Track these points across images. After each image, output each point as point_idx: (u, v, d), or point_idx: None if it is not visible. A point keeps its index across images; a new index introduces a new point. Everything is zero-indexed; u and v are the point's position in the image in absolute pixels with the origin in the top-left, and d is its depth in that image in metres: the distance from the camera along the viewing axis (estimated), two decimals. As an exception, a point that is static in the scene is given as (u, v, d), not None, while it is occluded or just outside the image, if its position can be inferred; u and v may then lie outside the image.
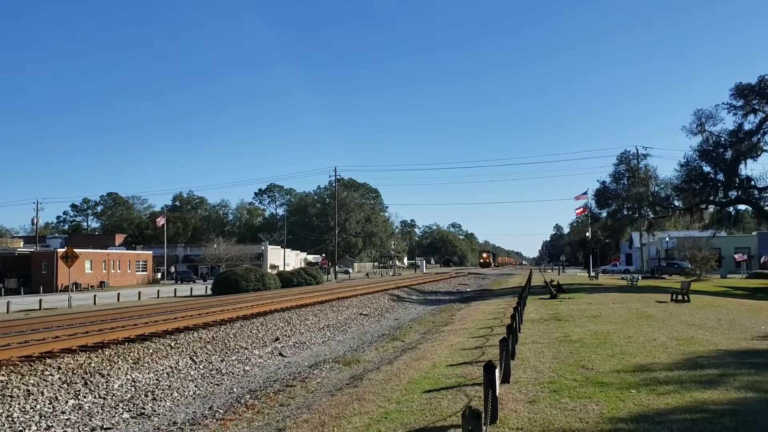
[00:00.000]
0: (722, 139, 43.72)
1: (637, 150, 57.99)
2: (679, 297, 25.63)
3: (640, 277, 49.22)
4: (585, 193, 64.17)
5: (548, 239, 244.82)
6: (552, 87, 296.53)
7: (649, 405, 8.15)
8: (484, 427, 5.03)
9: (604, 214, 58.91)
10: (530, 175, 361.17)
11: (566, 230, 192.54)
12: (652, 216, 55.20)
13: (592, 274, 63.48)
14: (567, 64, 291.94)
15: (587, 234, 73.36)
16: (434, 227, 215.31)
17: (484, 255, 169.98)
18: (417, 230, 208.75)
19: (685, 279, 36.74)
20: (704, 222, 50.06)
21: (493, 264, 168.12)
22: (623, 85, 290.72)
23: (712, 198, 45.84)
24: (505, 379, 9.47)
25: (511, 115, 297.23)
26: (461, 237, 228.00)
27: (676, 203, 50.97)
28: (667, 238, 72.00)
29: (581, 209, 67.92)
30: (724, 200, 45.44)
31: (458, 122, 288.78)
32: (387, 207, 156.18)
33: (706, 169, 44.70)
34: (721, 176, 44.00)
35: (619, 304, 24.57)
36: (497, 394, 7.40)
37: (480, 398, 8.31)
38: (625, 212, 56.05)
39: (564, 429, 7.15)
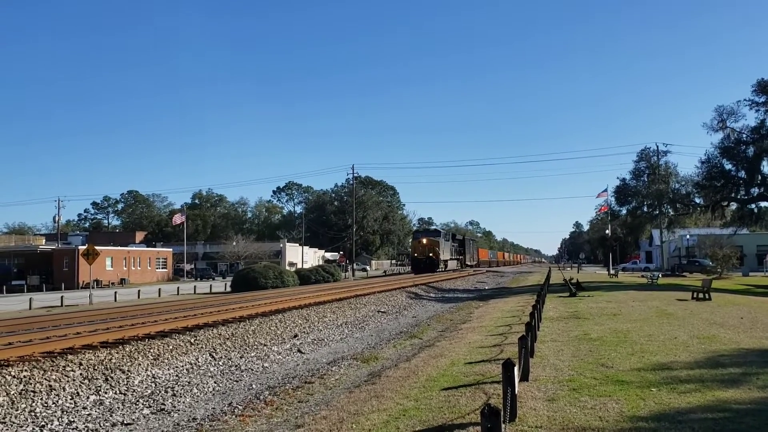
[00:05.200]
0: (744, 135, 43.18)
1: (657, 147, 57.48)
2: (700, 295, 25.37)
3: (660, 275, 48.76)
4: (605, 191, 63.77)
5: (567, 237, 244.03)
6: (573, 84, 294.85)
7: (670, 404, 8.07)
8: (503, 425, 5.00)
9: (624, 212, 58.47)
10: (550, 172, 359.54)
11: (586, 227, 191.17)
12: (672, 213, 54.71)
13: (612, 271, 62.99)
14: (587, 62, 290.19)
15: (607, 231, 72.86)
16: (452, 225, 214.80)
17: (424, 242, 70.90)
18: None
19: (706, 277, 36.32)
20: (725, 219, 49.50)
21: (459, 262, 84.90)
22: (644, 83, 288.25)
23: (733, 195, 45.31)
24: (524, 377, 9.42)
25: (530, 112, 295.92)
26: (479, 235, 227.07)
27: (697, 200, 50.43)
28: (688, 236, 71.32)
29: (603, 206, 67.62)
30: (745, 197, 44.89)
31: (476, 120, 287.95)
32: (404, 205, 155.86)
33: (728, 166, 44.19)
34: (742, 173, 43.46)
35: (639, 302, 24.36)
36: (516, 392, 7.36)
37: (499, 396, 8.28)
38: (645, 209, 55.59)
39: (584, 427, 7.10)
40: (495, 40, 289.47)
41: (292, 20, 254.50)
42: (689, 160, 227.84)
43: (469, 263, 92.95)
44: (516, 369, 6.98)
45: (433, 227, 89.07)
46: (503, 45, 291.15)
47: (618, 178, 66.38)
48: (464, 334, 17.54)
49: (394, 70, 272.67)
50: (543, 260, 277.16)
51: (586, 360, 11.47)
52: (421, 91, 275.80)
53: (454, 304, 32.21)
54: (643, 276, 51.49)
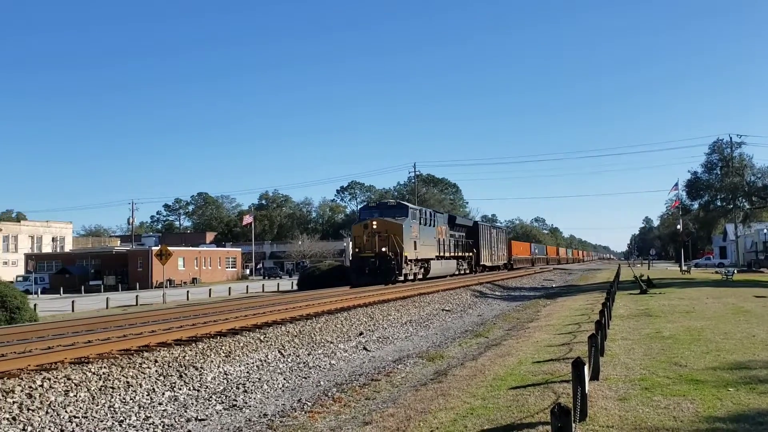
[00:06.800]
0: (826, 123, 41.10)
1: (731, 138, 55.30)
2: (780, 292, 24.33)
3: (735, 271, 46.95)
4: (676, 185, 61.85)
5: (637, 233, 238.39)
6: (642, 73, 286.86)
7: (749, 404, 7.79)
8: (573, 425, 4.95)
9: (696, 206, 56.61)
10: (618, 166, 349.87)
11: (656, 223, 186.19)
12: (748, 207, 52.62)
13: (684, 268, 61.05)
14: (654, 50, 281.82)
15: (678, 226, 70.72)
16: (517, 222, 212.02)
17: (373, 226, 36.31)
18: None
19: (786, 273, 34.79)
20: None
21: (466, 262, 52.08)
22: (714, 72, 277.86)
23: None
24: (594, 376, 9.26)
25: (598, 104, 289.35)
26: (545, 232, 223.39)
27: (775, 193, 48.37)
28: (765, 230, 68.44)
29: (675, 201, 65.70)
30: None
31: (541, 114, 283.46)
32: (467, 202, 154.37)
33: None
34: (824, 163, 41.39)
35: (714, 299, 23.55)
36: (586, 391, 7.26)
37: (568, 395, 8.17)
38: (719, 203, 53.61)
39: (657, 427, 6.94)
40: (561, 29, 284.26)
41: (343, 14, 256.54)
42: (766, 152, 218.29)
43: (487, 263, 58.36)
44: (586, 368, 6.88)
45: (394, 201, 47.85)
46: (568, 33, 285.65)
47: (689, 171, 64.51)
48: (531, 333, 17.35)
49: (452, 61, 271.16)
50: (611, 257, 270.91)
51: (658, 359, 11.19)
52: (483, 87, 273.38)
53: (521, 303, 31.85)
54: (717, 272, 49.74)
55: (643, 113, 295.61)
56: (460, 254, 50.17)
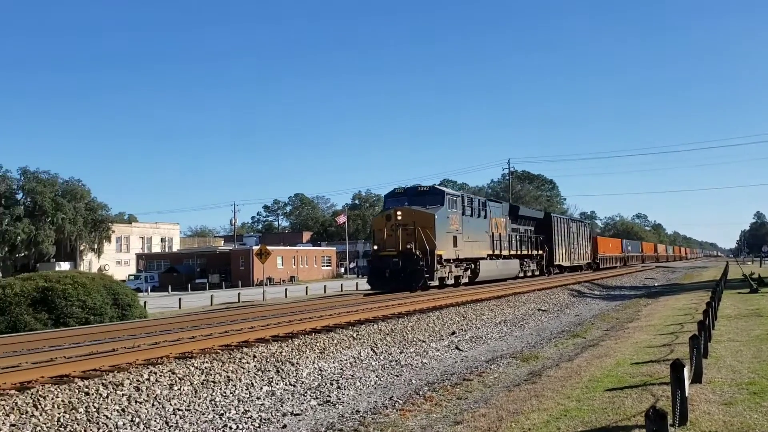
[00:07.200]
0: None
1: None
2: None
3: None
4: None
5: (747, 228, 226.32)
6: (747, 64, 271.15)
7: None
8: (671, 429, 4.76)
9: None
10: (725, 159, 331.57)
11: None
12: None
13: (802, 266, 57.18)
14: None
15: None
16: (617, 218, 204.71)
17: (398, 217, 29.14)
18: (598, 222, 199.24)
19: None
20: None
21: (534, 262, 44.09)
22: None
23: None
24: (696, 379, 8.84)
25: (700, 96, 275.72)
26: (647, 228, 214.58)
27: None
28: None
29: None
30: None
31: (643, 104, 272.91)
32: (565, 199, 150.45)
33: None
34: None
35: (835, 300, 21.95)
36: (687, 395, 6.93)
37: (667, 398, 7.84)
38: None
39: (765, 435, 6.55)
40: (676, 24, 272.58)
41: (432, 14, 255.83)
42: None
43: (564, 262, 49.66)
44: (686, 370, 6.58)
45: (428, 186, 32.71)
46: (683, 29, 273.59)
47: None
48: (631, 333, 16.75)
49: (553, 56, 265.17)
50: (719, 254, 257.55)
51: (769, 362, 10.55)
52: (583, 82, 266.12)
53: (620, 302, 30.81)
54: (839, 270, 46.29)
55: (753, 103, 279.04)
56: (525, 252, 42.30)
